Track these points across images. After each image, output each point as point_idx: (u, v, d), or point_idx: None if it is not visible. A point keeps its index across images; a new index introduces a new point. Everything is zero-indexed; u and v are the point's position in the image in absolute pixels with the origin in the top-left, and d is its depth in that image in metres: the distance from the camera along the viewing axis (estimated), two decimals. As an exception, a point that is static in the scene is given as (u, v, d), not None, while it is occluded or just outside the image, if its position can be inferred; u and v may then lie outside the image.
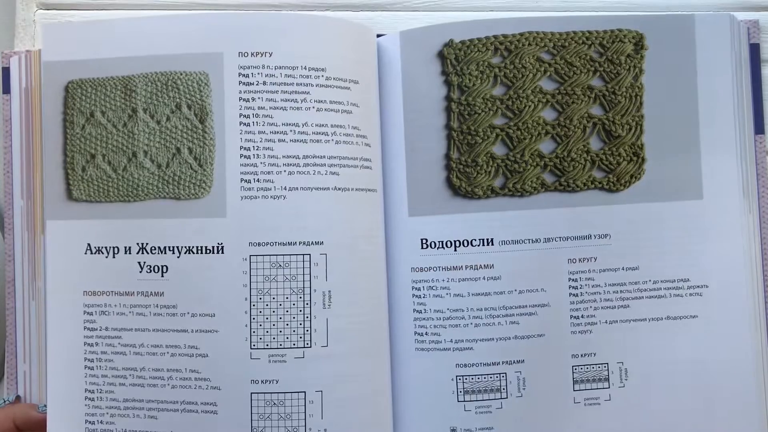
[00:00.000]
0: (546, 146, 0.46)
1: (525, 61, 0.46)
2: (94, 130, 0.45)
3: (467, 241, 0.46)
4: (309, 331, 0.43)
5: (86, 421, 0.44)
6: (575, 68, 0.46)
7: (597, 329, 0.46)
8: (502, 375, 0.45)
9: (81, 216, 0.45)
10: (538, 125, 0.46)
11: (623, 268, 0.46)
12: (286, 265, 0.43)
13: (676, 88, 0.46)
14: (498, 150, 0.46)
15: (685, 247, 0.46)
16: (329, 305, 0.44)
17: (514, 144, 0.46)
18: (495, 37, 0.46)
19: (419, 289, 0.46)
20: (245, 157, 0.44)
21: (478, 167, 0.46)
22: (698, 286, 0.46)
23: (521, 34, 0.46)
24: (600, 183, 0.46)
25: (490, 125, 0.46)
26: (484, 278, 0.46)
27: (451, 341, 0.45)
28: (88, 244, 0.44)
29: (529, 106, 0.46)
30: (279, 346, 0.43)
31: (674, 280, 0.46)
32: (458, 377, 0.45)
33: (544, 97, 0.46)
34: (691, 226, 0.46)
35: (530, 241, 0.46)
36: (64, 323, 0.45)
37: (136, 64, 0.44)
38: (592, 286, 0.46)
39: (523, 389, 0.45)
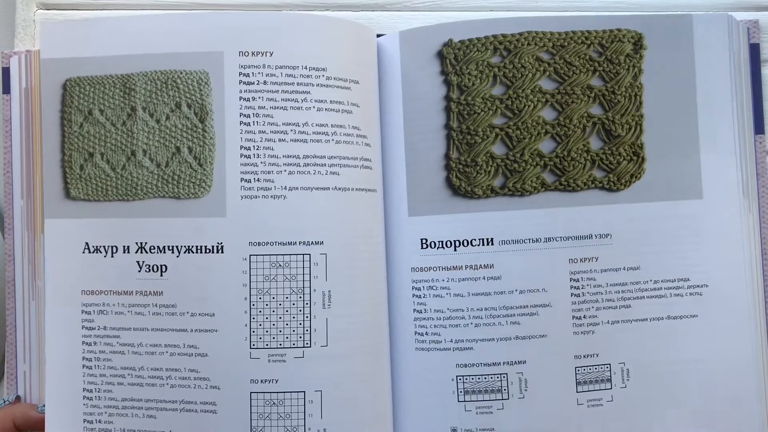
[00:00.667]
0: (546, 146, 0.47)
1: (524, 60, 0.46)
2: (93, 129, 0.45)
3: (467, 241, 0.46)
4: (309, 331, 0.44)
5: (84, 420, 0.45)
6: (575, 68, 0.46)
7: (599, 330, 0.46)
8: (503, 375, 0.46)
9: (79, 215, 0.45)
10: (537, 125, 0.46)
11: (624, 268, 0.47)
12: (286, 264, 0.44)
13: (675, 88, 0.47)
14: (497, 150, 0.47)
15: (685, 247, 0.47)
16: (329, 305, 0.44)
17: (513, 144, 0.46)
18: (494, 36, 0.46)
19: (419, 289, 0.46)
20: (245, 156, 0.44)
21: (478, 167, 0.46)
22: (698, 286, 0.47)
23: (520, 34, 0.46)
24: (600, 182, 0.47)
25: (490, 125, 0.46)
26: (484, 278, 0.46)
27: (452, 341, 0.46)
28: (86, 243, 0.45)
29: (529, 106, 0.46)
30: (279, 346, 0.44)
31: (674, 280, 0.47)
32: (458, 377, 0.46)
33: (543, 97, 0.46)
34: (691, 225, 0.47)
35: (530, 240, 0.46)
36: (63, 322, 0.45)
37: (135, 63, 0.45)
38: (594, 286, 0.46)
39: (525, 390, 0.46)
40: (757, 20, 0.48)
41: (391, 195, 0.47)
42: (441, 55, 0.47)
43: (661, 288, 0.47)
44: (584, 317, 0.46)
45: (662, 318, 0.47)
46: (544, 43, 0.46)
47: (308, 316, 0.44)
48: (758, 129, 0.47)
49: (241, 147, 0.44)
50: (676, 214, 0.47)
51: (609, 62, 0.47)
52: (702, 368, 0.46)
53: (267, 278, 0.44)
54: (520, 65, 0.46)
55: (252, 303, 0.44)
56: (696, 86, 0.47)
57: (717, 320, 0.46)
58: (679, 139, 0.47)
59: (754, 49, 0.48)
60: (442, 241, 0.46)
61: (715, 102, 0.47)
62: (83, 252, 0.45)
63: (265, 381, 0.44)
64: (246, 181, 0.44)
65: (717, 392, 0.46)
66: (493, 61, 0.47)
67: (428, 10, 0.50)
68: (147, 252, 0.44)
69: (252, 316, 0.44)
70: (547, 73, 0.46)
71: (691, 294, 0.47)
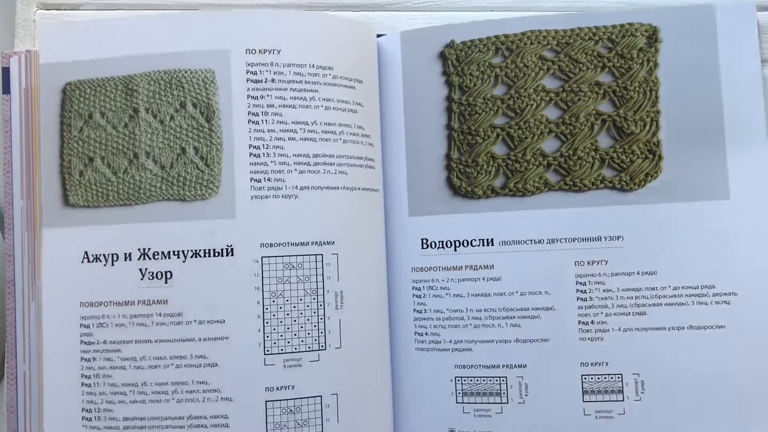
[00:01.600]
0: (549, 145, 0.48)
1: (526, 59, 0.48)
2: (93, 133, 0.46)
3: (467, 242, 0.48)
4: (323, 333, 0.45)
5: None
6: (581, 65, 0.48)
7: (609, 337, 0.46)
8: (502, 379, 0.46)
9: (78, 223, 0.45)
10: (540, 124, 0.48)
11: (638, 272, 0.46)
12: (299, 266, 0.45)
13: (697, 82, 0.46)
14: (499, 150, 0.48)
15: (710, 251, 0.45)
16: (341, 306, 0.45)
17: (515, 143, 0.48)
18: (496, 37, 0.48)
19: (419, 289, 0.48)
20: (255, 156, 0.45)
21: (479, 167, 0.48)
22: (725, 294, 0.45)
23: (523, 33, 0.48)
24: (611, 182, 0.47)
25: (491, 125, 0.48)
26: (484, 279, 0.47)
27: (451, 342, 0.47)
28: (85, 252, 0.45)
29: (531, 105, 0.48)
30: (294, 350, 0.44)
31: (697, 287, 0.45)
32: (457, 378, 0.47)
33: (546, 96, 0.48)
34: (717, 228, 0.45)
35: (532, 241, 0.47)
36: (60, 338, 0.45)
37: (138, 63, 0.46)
38: (603, 291, 0.46)
39: (526, 395, 0.46)
40: (757, 20, 0.48)
41: (391, 195, 0.49)
42: (443, 56, 0.49)
43: (681, 295, 0.45)
44: (592, 323, 0.46)
45: (683, 327, 0.45)
46: (547, 42, 0.48)
47: (322, 317, 0.45)
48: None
49: (250, 146, 0.45)
50: (699, 215, 0.46)
51: (620, 57, 0.47)
52: (732, 383, 0.45)
53: (280, 280, 0.45)
54: (522, 65, 0.48)
55: (265, 307, 0.44)
56: (721, 79, 0.46)
57: (748, 331, 0.45)
58: (702, 135, 0.46)
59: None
60: (442, 242, 0.48)
61: (744, 95, 0.46)
62: (82, 261, 0.45)
63: (281, 388, 0.44)
64: (256, 180, 0.45)
65: (749, 410, 0.45)
66: (494, 61, 0.49)
67: (428, 10, 0.52)
68: (150, 258, 0.44)
69: (265, 321, 0.44)
70: (551, 71, 0.48)
71: (716, 302, 0.45)
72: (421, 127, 0.48)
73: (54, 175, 0.45)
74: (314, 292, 0.44)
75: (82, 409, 0.44)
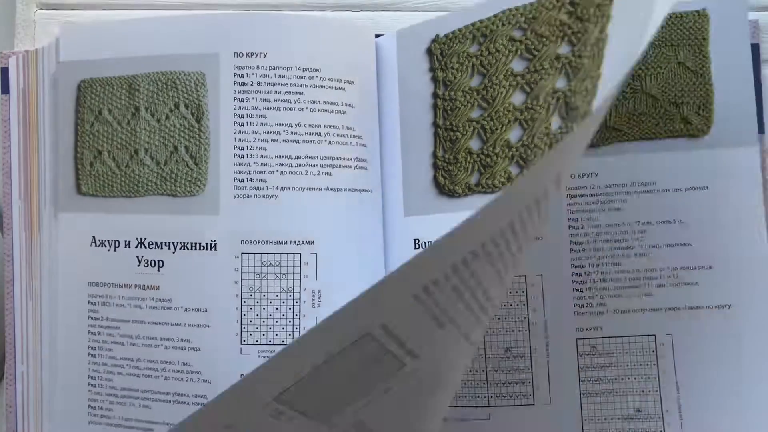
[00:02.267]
0: (515, 135, 0.46)
1: (498, 44, 0.47)
2: (102, 128, 0.49)
3: None
4: (298, 329, 0.48)
5: (89, 406, 0.49)
6: (544, 39, 0.45)
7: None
8: None
9: (88, 209, 0.49)
10: (508, 113, 0.47)
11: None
12: (277, 263, 0.47)
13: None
14: (474, 144, 0.48)
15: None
16: (318, 304, 0.48)
17: (487, 136, 0.48)
18: (473, 24, 0.48)
19: None
20: (239, 156, 0.48)
21: (458, 164, 0.48)
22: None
23: (495, 15, 0.47)
24: None
25: (468, 119, 0.48)
26: None
27: None
28: (93, 237, 0.49)
29: (501, 93, 0.47)
30: (269, 343, 0.47)
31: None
32: None
33: (514, 80, 0.47)
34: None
35: None
36: (72, 312, 0.49)
37: (140, 64, 0.49)
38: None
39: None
40: (757, 20, 0.48)
41: (387, 195, 0.50)
42: (430, 52, 0.49)
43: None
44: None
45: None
46: (516, 20, 0.46)
47: (297, 314, 0.47)
48: (759, 129, 0.47)
49: (235, 147, 0.48)
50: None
51: (579, 20, 0.44)
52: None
53: (258, 276, 0.48)
54: (494, 50, 0.47)
55: (243, 300, 0.48)
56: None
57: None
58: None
59: (754, 49, 0.48)
60: (431, 241, 0.49)
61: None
62: (90, 245, 0.49)
63: None
64: (239, 180, 0.47)
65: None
66: (471, 50, 0.48)
67: (429, 10, 0.53)
68: (146, 247, 0.48)
69: (243, 313, 0.47)
70: (519, 52, 0.46)
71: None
72: (413, 126, 0.49)
73: (70, 164, 0.50)
74: (290, 289, 0.47)
75: (88, 376, 0.49)
